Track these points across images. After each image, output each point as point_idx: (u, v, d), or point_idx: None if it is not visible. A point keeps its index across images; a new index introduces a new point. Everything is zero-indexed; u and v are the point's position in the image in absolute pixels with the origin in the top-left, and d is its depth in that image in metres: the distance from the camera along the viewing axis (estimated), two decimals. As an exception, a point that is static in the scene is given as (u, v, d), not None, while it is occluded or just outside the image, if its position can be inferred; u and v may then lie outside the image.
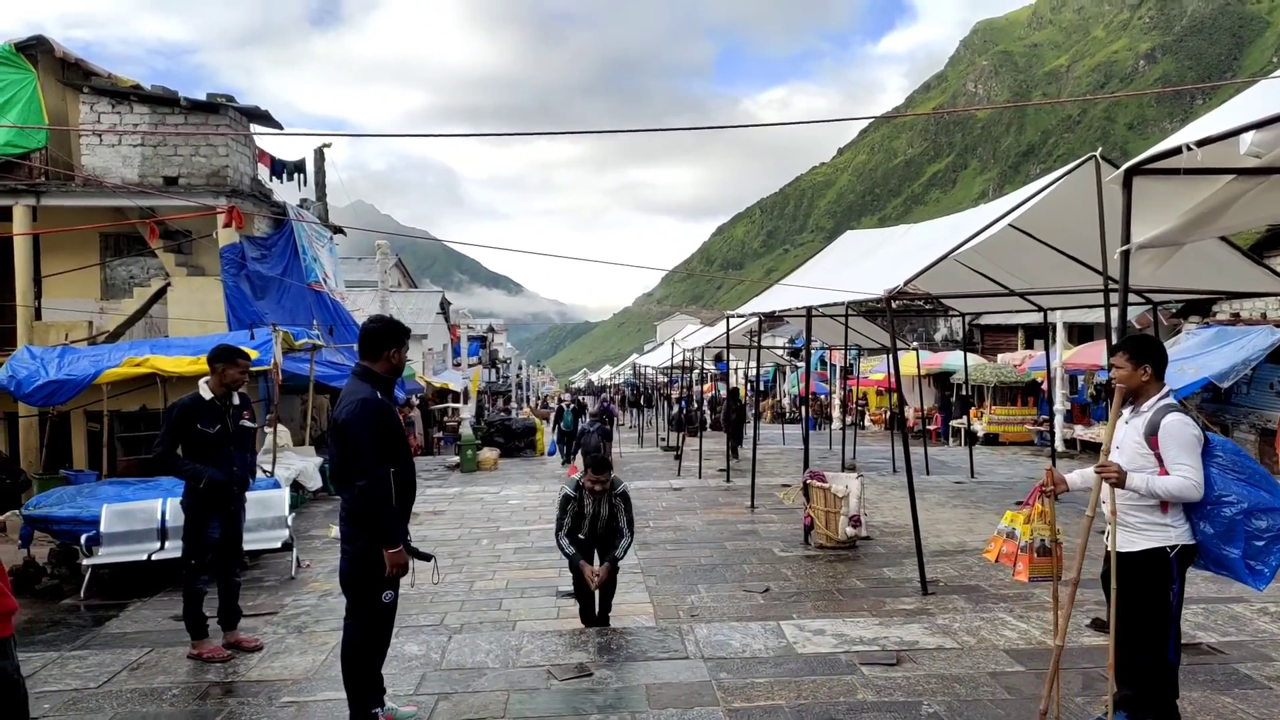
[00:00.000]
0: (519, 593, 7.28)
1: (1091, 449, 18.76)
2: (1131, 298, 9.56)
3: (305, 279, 15.61)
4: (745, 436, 19.52)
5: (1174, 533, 3.73)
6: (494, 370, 46.90)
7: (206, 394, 5.36)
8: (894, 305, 8.34)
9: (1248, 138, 4.34)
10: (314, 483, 12.75)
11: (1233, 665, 4.98)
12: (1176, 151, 4.83)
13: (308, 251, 16.17)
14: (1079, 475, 4.21)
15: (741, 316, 14.58)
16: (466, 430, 20.11)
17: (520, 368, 57.83)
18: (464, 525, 10.62)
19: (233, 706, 4.64)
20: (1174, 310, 17.99)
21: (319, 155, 19.75)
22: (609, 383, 47.09)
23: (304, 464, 12.59)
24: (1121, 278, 5.43)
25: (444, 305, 38.85)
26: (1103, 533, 4.01)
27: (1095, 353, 19.09)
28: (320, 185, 19.83)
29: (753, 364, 29.96)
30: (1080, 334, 23.13)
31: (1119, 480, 3.69)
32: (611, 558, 6.09)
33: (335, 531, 5.39)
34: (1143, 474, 3.70)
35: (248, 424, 5.61)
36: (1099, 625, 5.57)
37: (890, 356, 8.71)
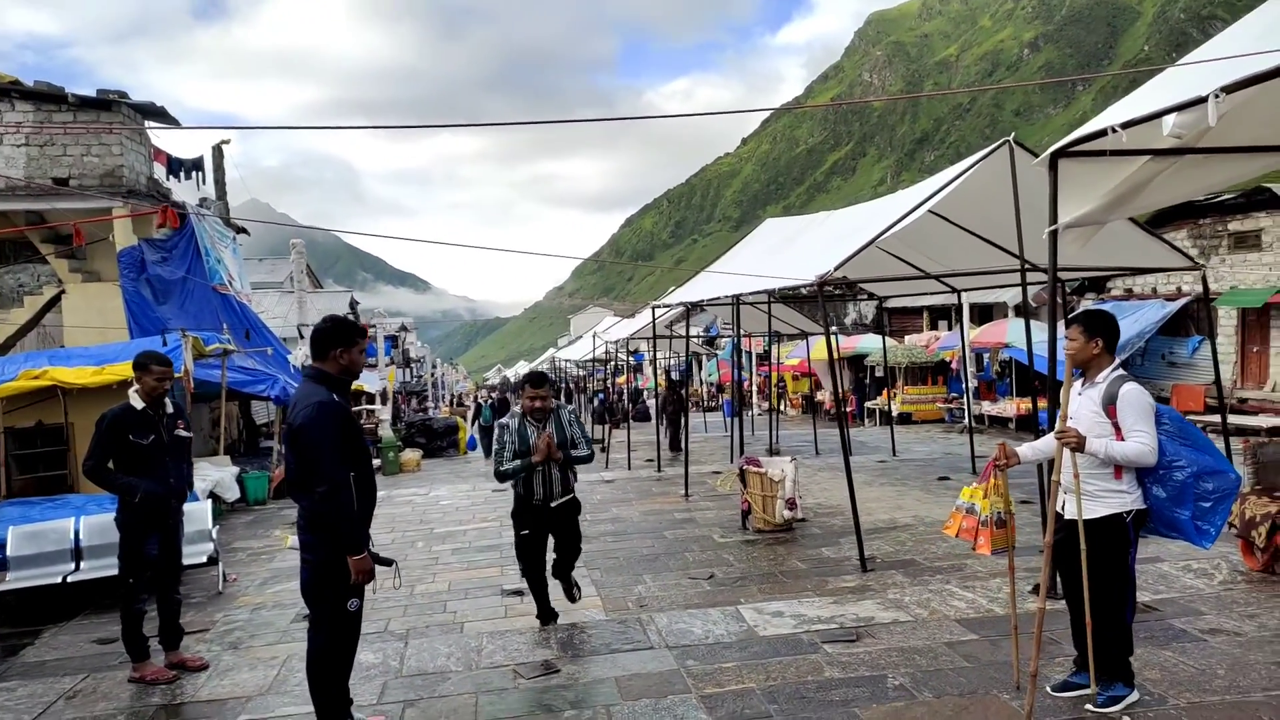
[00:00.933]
0: (463, 594, 7.14)
1: (998, 423, 19.60)
2: (1036, 275, 10.01)
3: (210, 281, 14.94)
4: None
5: (1129, 498, 3.93)
6: (408, 370, 45.92)
7: (138, 404, 5.07)
8: (825, 290, 8.49)
9: (1170, 120, 4.56)
10: (231, 493, 12.25)
11: (1168, 621, 5.27)
12: (1101, 134, 5.04)
13: (211, 253, 15.47)
14: (1029, 448, 4.38)
15: (668, 306, 14.64)
16: (386, 432, 19.66)
17: (435, 366, 56.77)
18: (395, 529, 10.37)
19: (185, 730, 4.42)
20: (1071, 288, 18.92)
21: (218, 152, 18.91)
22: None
23: (220, 474, 12.08)
24: (1050, 257, 5.63)
25: (353, 305, 37.82)
26: (1059, 506, 4.17)
27: (999, 331, 19.93)
28: (220, 183, 19.00)
29: (668, 354, 30.23)
30: (981, 314, 24.07)
31: (1079, 445, 3.86)
32: (571, 457, 5.65)
33: (292, 540, 5.18)
34: (1101, 440, 3.88)
35: (183, 434, 5.33)
36: (1047, 593, 5.82)
37: (827, 340, 8.87)
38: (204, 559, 7.78)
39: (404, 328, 44.45)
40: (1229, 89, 4.33)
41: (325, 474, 3.75)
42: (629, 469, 15.20)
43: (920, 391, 23.11)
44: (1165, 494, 3.88)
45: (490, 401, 25.08)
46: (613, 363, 23.95)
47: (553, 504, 5.64)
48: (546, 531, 5.72)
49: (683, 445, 15.83)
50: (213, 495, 11.18)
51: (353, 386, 5.42)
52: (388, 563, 4.28)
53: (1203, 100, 4.42)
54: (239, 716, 4.55)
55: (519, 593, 6.89)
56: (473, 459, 20.53)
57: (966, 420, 14.44)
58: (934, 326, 27.22)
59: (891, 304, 26.52)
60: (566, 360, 35.92)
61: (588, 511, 11.03)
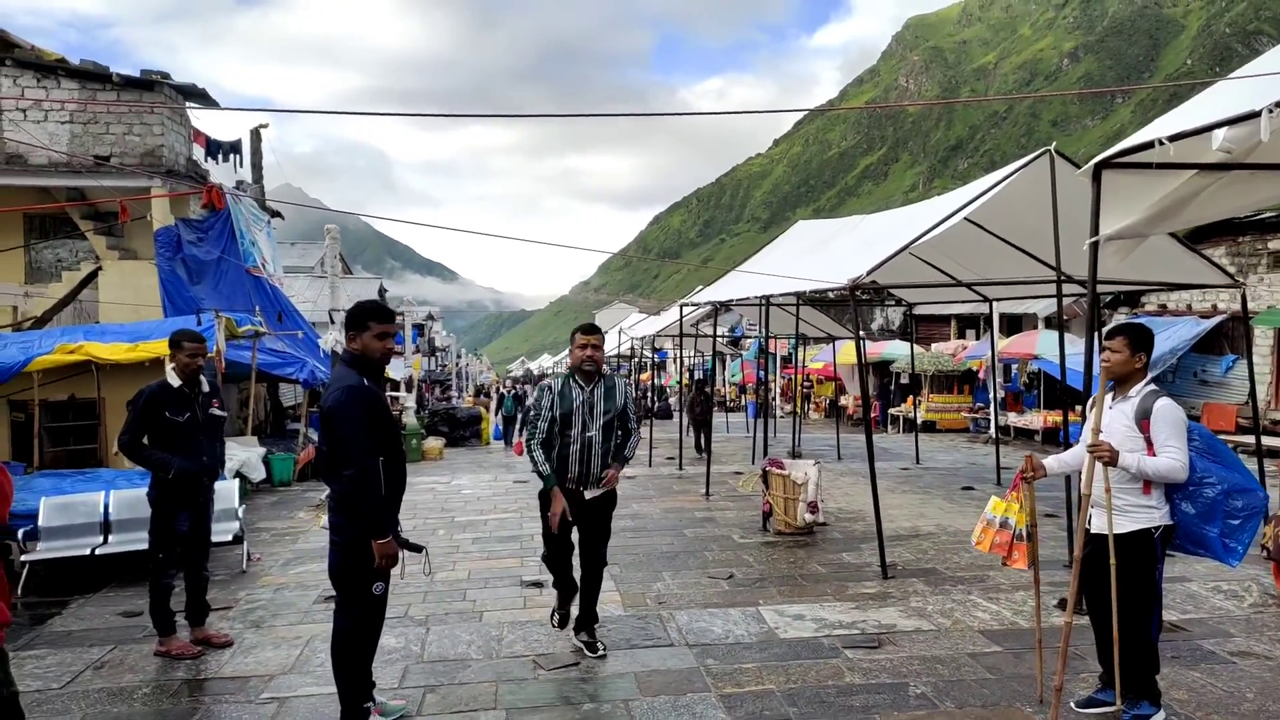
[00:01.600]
0: (482, 583, 7.17)
1: (1024, 435, 19.39)
2: (1071, 287, 9.89)
3: (244, 263, 15.11)
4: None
5: (1158, 514, 3.88)
6: (433, 359, 46.23)
7: (174, 381, 5.13)
8: (858, 295, 8.44)
9: (1220, 134, 4.49)
10: (257, 474, 12.39)
11: (1196, 641, 5.20)
12: (1148, 146, 4.97)
13: (245, 235, 15.63)
14: (1055, 460, 4.33)
15: (696, 305, 14.62)
16: (410, 419, 19.79)
17: (459, 355, 57.08)
18: (418, 516, 10.44)
19: (208, 704, 4.47)
20: (1105, 301, 18.66)
21: (255, 136, 19.11)
22: (549, 371, 46.87)
23: (247, 454, 12.22)
24: (1090, 268, 5.57)
25: (381, 292, 38.11)
26: (1085, 521, 4.12)
27: (1029, 343, 19.71)
28: (257, 167, 19.22)
29: (694, 353, 30.19)
30: (1010, 324, 23.82)
31: (1111, 459, 3.81)
32: (620, 457, 4.99)
33: (324, 521, 5.23)
34: (1134, 454, 3.83)
35: (218, 412, 5.39)
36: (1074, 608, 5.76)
37: (857, 345, 8.81)
38: (229, 538, 7.88)
39: (430, 316, 44.76)
40: (1282, 104, 4.26)
41: (353, 457, 3.78)
42: (650, 466, 15.20)
43: (945, 400, 22.92)
44: (1195, 510, 3.83)
45: (514, 392, 25.26)
46: (637, 359, 23.96)
47: (586, 494, 4.96)
48: (574, 522, 5.03)
49: (707, 447, 15.75)
50: (239, 475, 11.32)
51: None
52: (418, 549, 4.31)
53: (1256, 115, 4.36)
54: (261, 694, 4.60)
55: (538, 584, 6.92)
56: (495, 449, 20.62)
57: (992, 431, 14.31)
58: (961, 335, 26.99)
59: (920, 310, 26.34)
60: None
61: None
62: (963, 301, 15.12)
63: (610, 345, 26.68)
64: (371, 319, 3.94)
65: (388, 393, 25.20)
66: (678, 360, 22.71)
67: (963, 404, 22.65)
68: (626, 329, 22.33)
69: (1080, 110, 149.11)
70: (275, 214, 18.92)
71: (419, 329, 38.64)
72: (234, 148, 17.90)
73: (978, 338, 25.12)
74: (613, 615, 6.01)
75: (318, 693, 4.55)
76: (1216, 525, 3.83)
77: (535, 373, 52.85)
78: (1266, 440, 14.01)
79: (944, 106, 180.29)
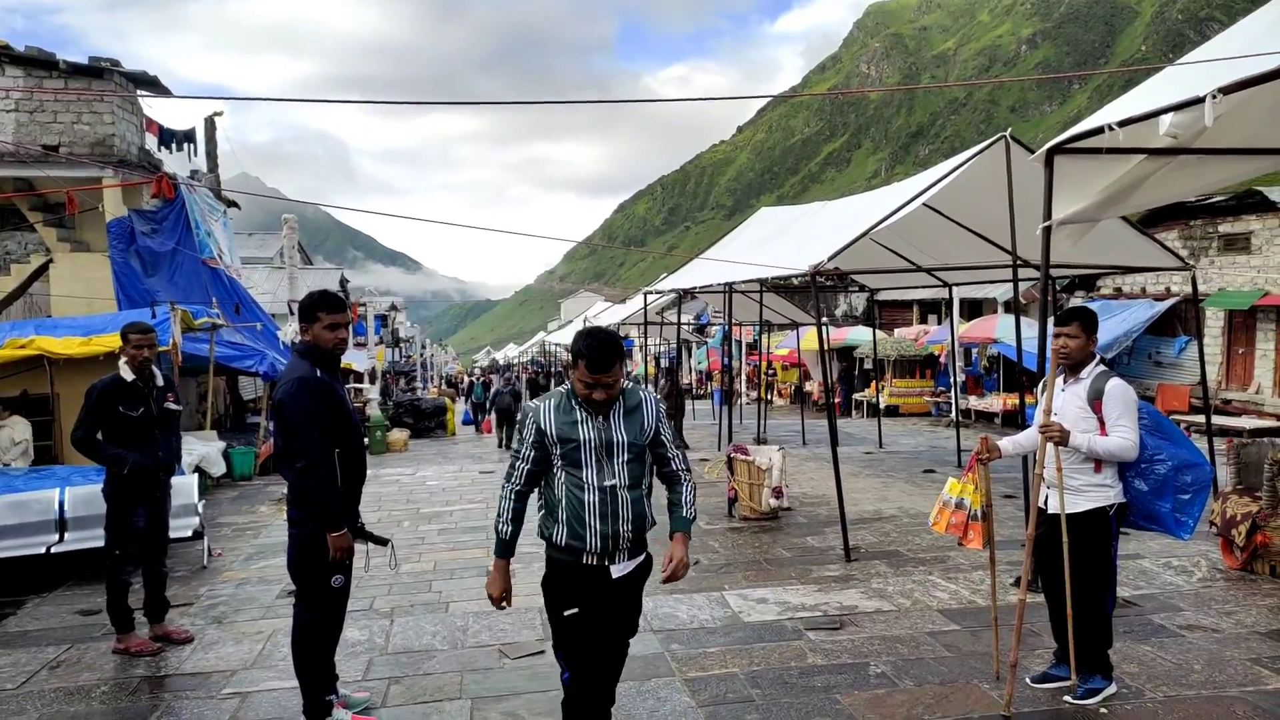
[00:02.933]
0: (448, 574, 7.15)
1: (984, 418, 19.70)
2: (1027, 272, 10.05)
3: (199, 254, 14.83)
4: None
5: (1111, 492, 3.98)
6: (397, 349, 45.81)
7: (127, 375, 5.03)
8: (819, 280, 8.50)
9: (1167, 119, 4.59)
10: (217, 468, 12.21)
11: (1147, 616, 5.34)
12: (1098, 131, 5.07)
13: (201, 226, 15.34)
14: (1010, 442, 4.41)
15: (660, 292, 14.63)
16: (374, 411, 19.61)
17: (424, 346, 56.61)
18: (382, 508, 10.37)
19: (169, 701, 4.42)
20: (1061, 285, 18.98)
21: (210, 124, 18.77)
22: (515, 361, 46.70)
23: (205, 449, 12.04)
24: (1043, 253, 5.67)
25: (343, 283, 37.64)
26: (1040, 500, 4.20)
27: (988, 327, 20.01)
28: (212, 156, 18.87)
29: (658, 341, 30.24)
30: (971, 309, 24.16)
31: (1062, 439, 3.89)
32: (681, 521, 3.27)
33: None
34: (1085, 434, 3.92)
35: (173, 406, 5.30)
36: (1029, 586, 5.88)
37: (819, 330, 8.91)
38: (189, 533, 7.76)
39: (394, 307, 44.31)
40: (1227, 90, 4.36)
41: (304, 449, 3.75)
42: (616, 454, 15.21)
43: (908, 385, 23.21)
44: (1146, 487, 3.94)
45: (483, 380, 25.38)
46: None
47: (613, 570, 3.12)
48: (591, 614, 3.15)
49: (680, 437, 15.78)
50: (198, 469, 11.15)
51: (341, 365, 5.04)
52: (383, 542, 4.29)
53: (1200, 100, 4.45)
54: (223, 689, 4.56)
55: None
56: (461, 441, 20.53)
57: (953, 414, 14.53)
58: (923, 320, 27.32)
59: (882, 296, 26.61)
60: (556, 344, 35.89)
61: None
62: (924, 287, 15.31)
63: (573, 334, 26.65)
64: (320, 309, 3.90)
65: (350, 385, 25.02)
66: (643, 349, 22.71)
67: (925, 388, 22.94)
68: (592, 318, 22.30)
69: (1038, 96, 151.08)
70: (232, 204, 18.58)
71: (382, 320, 38.23)
72: (188, 136, 17.54)
73: (939, 323, 25.43)
74: (578, 603, 6.02)
75: (280, 687, 4.52)
76: (1168, 500, 3.93)
77: (501, 362, 52.65)
78: (1217, 419, 14.38)
79: (905, 93, 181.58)
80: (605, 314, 22.09)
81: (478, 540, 8.33)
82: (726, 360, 19.03)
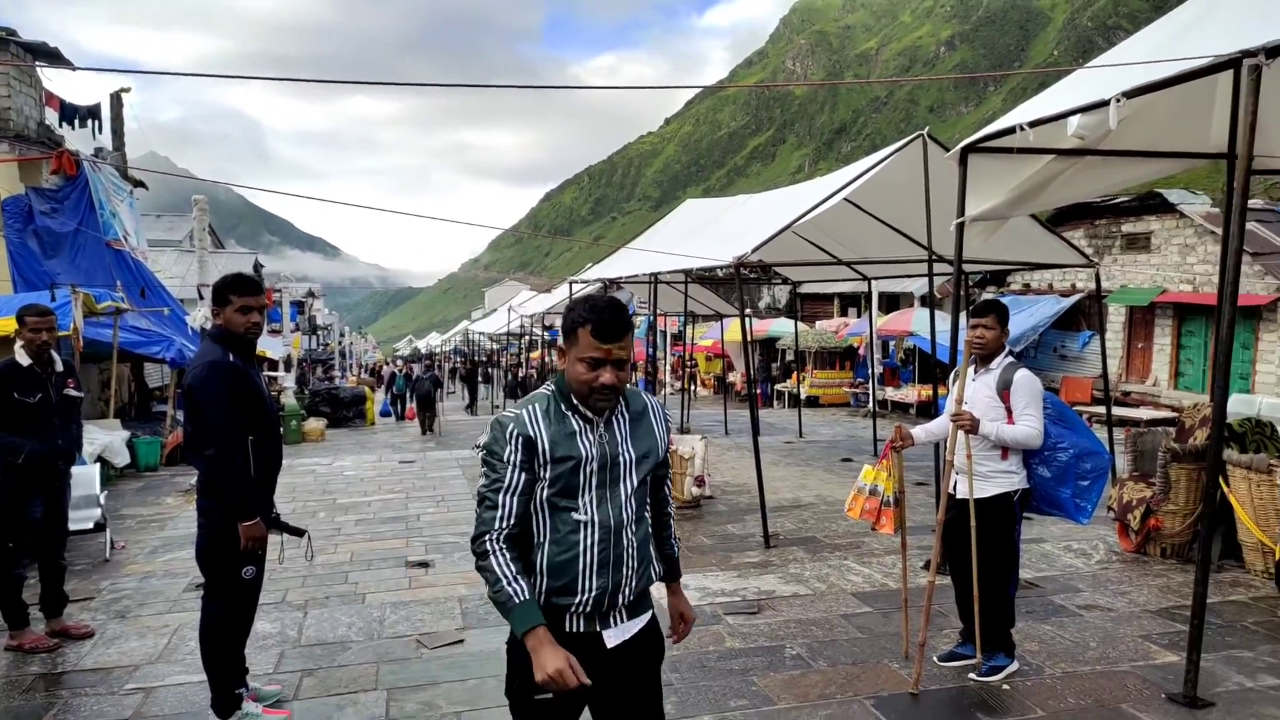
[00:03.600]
0: (365, 565, 7.02)
1: (900, 409, 20.27)
2: (942, 266, 10.37)
3: (103, 236, 14.17)
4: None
5: (1016, 479, 4.14)
6: (314, 337, 44.65)
7: (24, 360, 4.77)
8: (742, 272, 8.60)
9: (1074, 121, 4.78)
10: (121, 458, 11.72)
11: (1048, 597, 5.58)
12: (1010, 131, 5.25)
13: (105, 205, 14.65)
14: (922, 430, 4.55)
15: (585, 282, 14.59)
16: (289, 399, 19.09)
17: (343, 334, 55.28)
18: (297, 499, 10.10)
19: (66, 698, 4.22)
20: (974, 280, 19.64)
21: (116, 100, 17.90)
22: (438, 350, 45.99)
23: (109, 438, 11.54)
24: (956, 249, 5.84)
25: (257, 268, 36.47)
26: (950, 487, 4.35)
27: (905, 320, 20.57)
28: (118, 133, 18.01)
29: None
30: (890, 303, 24.80)
31: (972, 427, 4.04)
32: (674, 563, 2.63)
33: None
34: (994, 423, 4.07)
35: (73, 393, 5.05)
36: (937, 569, 6.09)
37: (741, 322, 9.01)
38: (90, 525, 7.44)
39: (311, 293, 43.17)
40: (1129, 94, 4.56)
41: (215, 436, 3.63)
42: (540, 444, 15.15)
43: (828, 376, 23.70)
44: (1049, 474, 4.12)
45: (405, 372, 24.93)
46: (527, 337, 23.78)
47: (608, 638, 2.31)
48: (586, 700, 2.34)
49: None
50: (101, 460, 10.68)
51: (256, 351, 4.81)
52: (299, 533, 4.19)
53: (1105, 104, 4.64)
54: (126, 685, 4.38)
55: (424, 564, 6.82)
56: (380, 430, 20.15)
57: (870, 405, 14.90)
58: (844, 313, 27.91)
59: (805, 289, 27.08)
60: (480, 333, 35.48)
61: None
62: (845, 280, 15.64)
63: (499, 324, 26.34)
64: (232, 292, 3.77)
65: (265, 373, 24.31)
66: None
67: (844, 379, 23.47)
68: (516, 307, 22.11)
69: (955, 97, 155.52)
70: (139, 184, 17.78)
71: (298, 306, 37.20)
72: (92, 112, 16.72)
73: (859, 315, 26.02)
74: (499, 592, 5.98)
75: (187, 681, 4.37)
76: (1069, 487, 4.12)
77: (423, 351, 51.76)
78: (1117, 410, 15.09)
79: (829, 91, 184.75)
80: (530, 303, 21.92)
81: (396, 531, 8.19)
82: (651, 350, 19.10)
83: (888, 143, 9.16)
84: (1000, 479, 4.14)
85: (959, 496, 4.25)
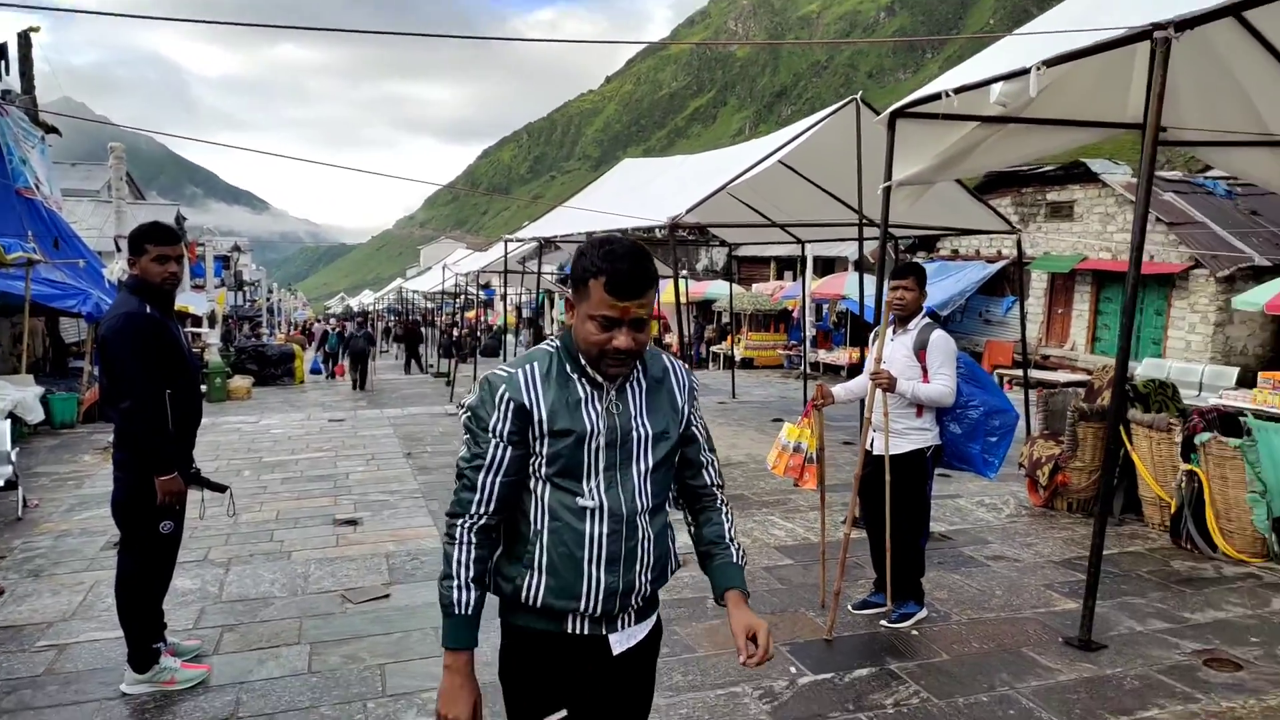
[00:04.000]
0: (292, 523, 6.93)
1: (832, 371, 20.68)
2: (874, 230, 10.56)
3: (12, 184, 13.48)
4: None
5: (929, 435, 4.29)
6: (240, 293, 43.37)
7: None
8: (678, 234, 8.63)
9: (996, 88, 4.89)
10: (34, 415, 11.28)
11: (959, 549, 5.82)
12: (936, 97, 5.35)
13: (14, 152, 13.92)
14: (842, 389, 4.68)
15: (521, 240, 14.46)
16: (214, 357, 18.58)
17: (271, 291, 53.81)
18: (220, 457, 9.89)
19: (-28, 658, 4.12)
20: (905, 245, 20.02)
21: (24, 40, 16.95)
22: (371, 308, 45.10)
23: (21, 394, 11.09)
24: (882, 212, 5.96)
25: (179, 221, 35.14)
26: (868, 443, 4.48)
27: (838, 284, 20.90)
28: (27, 76, 17.09)
29: (520, 290, 29.94)
30: (825, 266, 25.15)
31: (890, 385, 4.16)
32: (732, 569, 2.11)
33: None
34: (910, 381, 4.20)
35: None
36: (854, 523, 6.29)
37: (675, 283, 9.05)
38: (1, 483, 7.21)
39: (237, 248, 41.82)
40: (1049, 62, 4.68)
41: (131, 388, 3.54)
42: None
43: (762, 338, 24.00)
44: (960, 430, 4.28)
45: (339, 330, 24.47)
46: (463, 296, 23.48)
47: (615, 643, 2.01)
48: (595, 708, 2.06)
49: None
50: (12, 416, 10.28)
51: (177, 306, 4.63)
52: (220, 489, 4.13)
53: (1026, 72, 4.76)
54: (38, 642, 4.28)
55: (352, 522, 6.77)
56: (310, 388, 19.78)
57: (803, 367, 15.15)
58: (780, 276, 28.21)
59: (741, 252, 27.28)
60: (415, 291, 34.90)
61: (427, 444, 10.93)
62: (780, 243, 15.78)
63: (434, 282, 25.93)
64: (148, 241, 3.66)
65: (188, 329, 23.61)
66: (504, 298, 22.46)
67: (778, 342, 23.80)
68: (452, 265, 21.77)
69: (894, 64, 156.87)
70: (51, 130, 16.91)
71: (223, 261, 36.02)
72: (-3, 51, 15.82)
73: (795, 279, 26.36)
74: (427, 549, 5.99)
75: (102, 637, 4.29)
76: (978, 443, 4.29)
77: (356, 310, 50.75)
78: (1037, 373, 15.63)
79: (770, 53, 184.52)
80: (466, 261, 21.60)
81: (324, 489, 8.10)
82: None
83: (827, 107, 9.23)
84: (915, 435, 4.29)
85: (876, 453, 4.39)
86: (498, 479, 1.90)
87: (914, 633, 4.37)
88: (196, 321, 22.81)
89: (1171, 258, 15.98)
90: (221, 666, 4.03)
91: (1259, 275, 14.62)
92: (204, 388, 16.74)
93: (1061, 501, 6.77)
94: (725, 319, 25.34)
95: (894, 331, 4.42)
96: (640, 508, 1.94)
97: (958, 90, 5.23)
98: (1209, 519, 5.64)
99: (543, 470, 1.90)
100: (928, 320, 4.35)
